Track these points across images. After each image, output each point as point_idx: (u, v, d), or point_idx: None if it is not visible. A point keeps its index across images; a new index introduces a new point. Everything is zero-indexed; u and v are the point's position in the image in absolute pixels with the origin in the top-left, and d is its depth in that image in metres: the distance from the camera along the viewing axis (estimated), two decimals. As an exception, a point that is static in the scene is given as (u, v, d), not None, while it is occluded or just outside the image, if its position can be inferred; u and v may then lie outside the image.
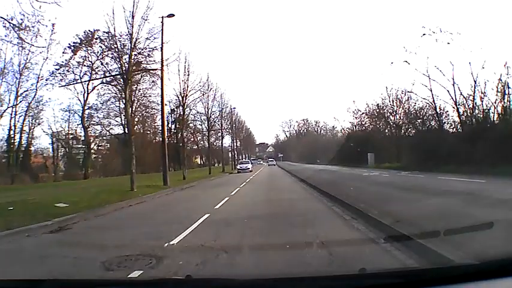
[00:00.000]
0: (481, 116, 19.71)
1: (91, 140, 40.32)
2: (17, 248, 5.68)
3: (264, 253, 4.57)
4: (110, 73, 18.23)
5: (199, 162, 57.89)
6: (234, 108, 45.31)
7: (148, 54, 16.67)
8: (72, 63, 28.53)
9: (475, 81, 20.03)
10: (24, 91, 28.60)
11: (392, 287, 1.81)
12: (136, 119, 44.20)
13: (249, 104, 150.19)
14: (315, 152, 66.13)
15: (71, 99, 47.80)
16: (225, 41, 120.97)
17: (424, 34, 21.38)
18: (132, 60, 15.80)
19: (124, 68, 15.33)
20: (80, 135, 37.72)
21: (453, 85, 21.11)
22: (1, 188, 19.41)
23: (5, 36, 13.18)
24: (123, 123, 37.74)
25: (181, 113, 26.72)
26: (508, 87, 18.83)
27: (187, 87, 25.28)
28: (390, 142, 32.64)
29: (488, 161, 15.32)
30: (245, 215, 7.55)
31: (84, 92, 34.07)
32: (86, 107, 34.37)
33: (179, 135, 28.68)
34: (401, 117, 32.26)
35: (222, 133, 40.52)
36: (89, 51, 24.84)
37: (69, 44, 28.16)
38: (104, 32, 16.59)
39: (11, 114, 29.14)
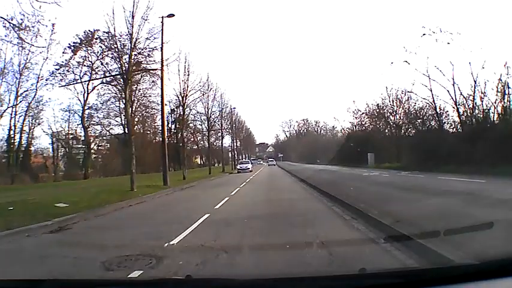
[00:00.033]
0: (481, 116, 19.71)
1: (91, 140, 40.36)
2: (17, 248, 5.67)
3: (264, 253, 4.57)
4: (109, 73, 18.25)
5: (199, 162, 57.86)
6: (234, 108, 45.36)
7: (149, 54, 16.70)
8: (72, 63, 28.56)
9: (475, 81, 20.06)
10: (24, 91, 28.63)
11: (392, 287, 1.81)
12: (136, 119, 44.19)
13: (249, 104, 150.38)
14: (315, 152, 66.13)
15: (71, 99, 47.82)
16: (225, 41, 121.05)
17: (424, 34, 21.41)
18: (132, 60, 15.81)
19: (124, 68, 15.33)
20: (80, 135, 37.75)
21: (453, 85, 21.15)
22: (1, 188, 19.41)
23: (5, 36, 13.17)
24: (123, 123, 37.72)
25: (181, 113, 26.70)
26: (508, 87, 18.85)
27: (187, 87, 25.32)
28: (390, 142, 32.63)
29: (488, 161, 15.31)
30: (245, 215, 7.56)
31: (84, 92, 34.10)
32: (86, 107, 34.37)
33: (179, 135, 28.65)
34: (402, 117, 32.30)
35: (222, 133, 40.56)
36: (89, 51, 24.87)
37: (69, 44, 28.20)
38: (104, 32, 16.63)
39: (11, 114, 29.18)
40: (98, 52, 20.08)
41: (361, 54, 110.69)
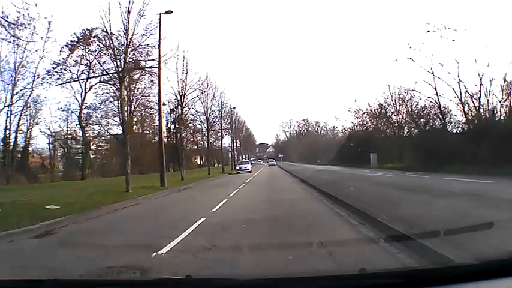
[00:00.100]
0: (487, 114, 19.27)
1: (90, 140, 39.96)
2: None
3: (264, 265, 4.12)
4: (106, 72, 17.87)
5: (199, 163, 57.53)
6: (234, 107, 45.01)
7: (146, 52, 16.28)
8: (69, 62, 28.07)
9: (480, 80, 19.69)
10: (20, 90, 28.14)
11: (392, 287, 1.81)
12: (135, 119, 43.92)
13: (249, 104, 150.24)
14: (315, 153, 65.90)
15: (68, 98, 47.26)
16: (225, 41, 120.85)
17: (428, 31, 21.04)
18: (128, 58, 15.45)
19: (120, 65, 14.93)
20: (79, 136, 37.31)
21: (458, 83, 20.75)
22: (-5, 189, 19.03)
23: (0, 33, 12.74)
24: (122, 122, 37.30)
25: (180, 112, 26.26)
26: (514, 86, 18.44)
27: (186, 85, 24.91)
28: (392, 142, 32.21)
29: (494, 161, 14.93)
30: (243, 219, 7.09)
31: (82, 91, 33.63)
32: (83, 107, 33.91)
33: (178, 135, 28.23)
34: (404, 117, 31.83)
35: (221, 133, 40.22)
36: (86, 50, 24.38)
37: (67, 42, 27.74)
38: (101, 30, 16.18)
39: (7, 114, 28.71)
40: (95, 51, 19.64)
41: (362, 53, 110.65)
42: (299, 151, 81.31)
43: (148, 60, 17.27)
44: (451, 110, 23.03)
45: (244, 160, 50.20)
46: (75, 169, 36.57)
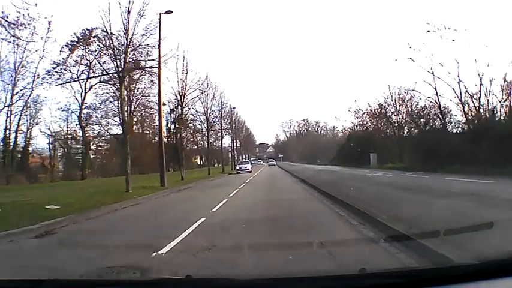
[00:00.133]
0: (487, 114, 19.25)
1: (90, 140, 39.90)
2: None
3: (265, 266, 4.11)
4: (106, 72, 17.87)
5: (199, 163, 57.48)
6: (234, 108, 44.97)
7: (146, 52, 16.29)
8: (70, 62, 28.05)
9: (480, 79, 19.68)
10: (20, 90, 28.11)
11: (392, 287, 1.81)
12: (135, 119, 43.87)
13: (249, 104, 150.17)
14: (315, 152, 65.87)
15: (68, 98, 47.19)
16: (225, 41, 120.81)
17: (428, 31, 21.01)
18: (128, 58, 15.45)
19: (120, 65, 14.93)
20: (79, 136, 37.29)
21: (458, 83, 20.72)
22: (-5, 189, 19.01)
23: (0, 33, 12.73)
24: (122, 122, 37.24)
25: (180, 112, 26.24)
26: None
27: (186, 85, 24.88)
28: (392, 142, 32.18)
29: (494, 161, 14.91)
30: (243, 219, 7.08)
31: (82, 91, 33.61)
32: (83, 107, 33.89)
33: (178, 135, 28.21)
34: (404, 117, 31.80)
35: (221, 133, 40.17)
36: (86, 50, 24.36)
37: (67, 42, 27.72)
38: (101, 30, 16.17)
39: (7, 114, 28.69)
40: (95, 51, 19.63)
41: (362, 54, 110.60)
42: (299, 151, 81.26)
43: (148, 60, 17.30)
44: (451, 110, 23.09)
45: (244, 160, 50.11)
46: (75, 169, 36.55)
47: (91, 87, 32.98)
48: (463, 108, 20.74)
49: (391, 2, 72.64)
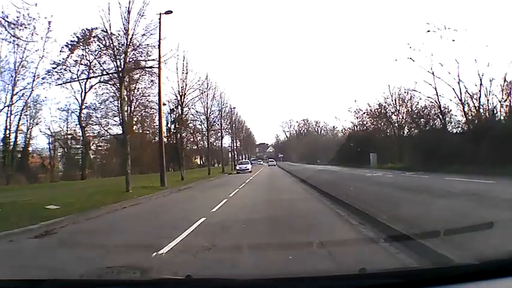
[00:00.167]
0: (487, 114, 19.24)
1: (90, 140, 39.86)
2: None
3: (264, 266, 4.11)
4: (106, 72, 17.87)
5: (199, 163, 57.43)
6: (234, 107, 44.94)
7: (146, 52, 16.29)
8: (69, 62, 28.03)
9: (480, 79, 19.65)
10: (20, 90, 28.08)
11: (392, 287, 1.81)
12: (135, 119, 43.84)
13: (249, 104, 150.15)
14: (315, 153, 65.81)
15: (68, 98, 47.15)
16: (224, 41, 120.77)
17: (428, 31, 21.00)
18: (128, 58, 15.44)
19: (120, 65, 14.92)
20: (79, 136, 37.28)
21: (458, 83, 20.69)
22: (-5, 189, 19.00)
23: (0, 33, 12.72)
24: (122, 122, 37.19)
25: (180, 112, 26.22)
26: (514, 86, 18.41)
27: (186, 85, 24.85)
28: (392, 142, 32.16)
29: (494, 161, 14.90)
30: (243, 219, 7.07)
31: (82, 91, 33.59)
32: (83, 107, 33.86)
33: (178, 135, 28.21)
34: (404, 117, 31.78)
35: (221, 133, 40.13)
36: (86, 50, 24.35)
37: (67, 42, 27.70)
38: (101, 30, 16.16)
39: (7, 114, 28.66)
40: (95, 51, 19.62)
41: (362, 54, 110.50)
42: (299, 151, 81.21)
43: (149, 60, 17.29)
44: (451, 110, 23.08)
45: (244, 160, 50.05)
46: (75, 169, 36.54)
47: (91, 87, 32.97)
48: (463, 108, 20.77)
49: (391, 2, 72.68)
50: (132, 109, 42.40)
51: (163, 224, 7.12)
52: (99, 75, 21.59)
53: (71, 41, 27.60)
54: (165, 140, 45.58)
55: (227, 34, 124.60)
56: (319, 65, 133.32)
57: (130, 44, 15.20)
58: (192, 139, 48.90)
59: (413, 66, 26.92)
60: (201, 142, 42.07)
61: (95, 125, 36.19)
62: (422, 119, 25.80)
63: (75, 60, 26.67)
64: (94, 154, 42.39)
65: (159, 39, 16.65)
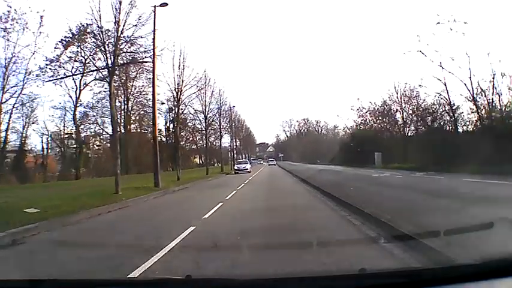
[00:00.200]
0: (504, 109, 18.20)
1: (87, 140, 39.04)
2: None
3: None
4: (96, 67, 17.09)
5: (198, 162, 56.71)
6: (233, 106, 44.25)
7: (139, 46, 15.42)
8: (63, 59, 27.12)
9: (493, 74, 18.59)
10: (11, 87, 27.10)
11: (393, 287, 1.80)
12: (133, 118, 43.06)
13: (248, 103, 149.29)
14: (316, 152, 64.96)
15: (62, 96, 46.26)
16: (224, 40, 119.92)
17: (438, 23, 20.02)
18: (119, 51, 14.55)
19: (109, 58, 14.01)
20: (74, 134, 36.45)
21: (470, 78, 19.61)
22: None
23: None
24: (120, 122, 36.51)
25: (177, 109, 25.33)
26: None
27: (182, 82, 23.86)
28: (397, 141, 31.14)
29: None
30: (239, 229, 5.97)
31: (76, 89, 32.74)
32: (77, 105, 33.02)
33: (176, 133, 27.36)
34: (410, 115, 30.72)
35: (220, 132, 39.32)
36: (82, 47, 23.46)
37: (61, 38, 26.83)
38: (91, 20, 15.26)
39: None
40: (88, 47, 18.75)
41: (363, 52, 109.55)
42: (299, 151, 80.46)
43: (144, 51, 16.46)
44: (459, 107, 22.01)
45: (242, 159, 48.92)
46: (71, 169, 35.80)
47: (86, 85, 32.22)
48: (475, 104, 19.67)
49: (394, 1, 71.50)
50: (130, 107, 41.74)
51: (145, 235, 6.09)
52: (88, 71, 20.83)
53: (65, 37, 26.79)
54: (163, 139, 44.86)
55: (227, 33, 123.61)
56: (320, 64, 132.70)
57: (121, 36, 14.35)
58: (191, 138, 48.22)
59: (420, 62, 25.71)
60: (200, 141, 41.37)
61: (91, 123, 35.50)
62: (430, 117, 24.75)
63: (69, 57, 25.87)
64: (90, 153, 41.61)
65: (154, 33, 15.85)
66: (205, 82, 29.93)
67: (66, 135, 37.05)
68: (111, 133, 35.30)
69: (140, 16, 14.75)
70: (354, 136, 38.28)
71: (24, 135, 31.53)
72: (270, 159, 77.24)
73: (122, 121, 39.46)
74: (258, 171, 37.13)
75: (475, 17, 39.28)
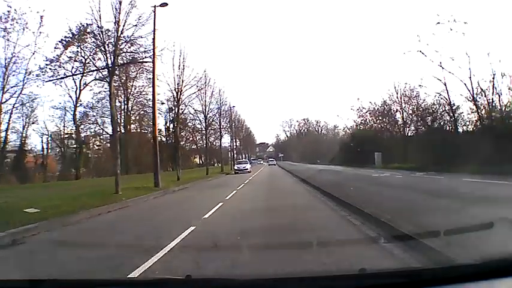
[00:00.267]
0: (504, 109, 18.20)
1: (87, 140, 39.07)
2: None
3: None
4: (96, 68, 17.11)
5: (198, 162, 56.75)
6: (233, 106, 44.26)
7: (134, 43, 15.43)
8: (63, 59, 27.14)
9: (493, 74, 18.60)
10: (11, 87, 27.11)
11: (393, 287, 1.80)
12: (133, 118, 43.08)
13: (248, 103, 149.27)
14: (316, 152, 64.96)
15: (62, 96, 46.33)
16: (224, 40, 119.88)
17: (438, 23, 20.02)
18: (119, 50, 14.57)
19: (109, 58, 14.02)
20: (74, 134, 36.48)
21: (470, 78, 19.61)
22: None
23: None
24: (120, 122, 36.54)
25: (177, 109, 25.34)
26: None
27: (182, 82, 23.86)
28: (397, 141, 31.13)
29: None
30: (239, 229, 5.99)
31: (76, 89, 32.75)
32: (77, 105, 33.03)
33: (175, 133, 27.37)
34: (410, 115, 30.72)
35: (220, 132, 39.35)
36: (82, 47, 23.47)
37: (61, 38, 26.85)
38: (91, 20, 15.28)
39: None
40: (88, 47, 18.78)
41: (363, 53, 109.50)
42: (300, 151, 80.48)
43: (144, 52, 16.48)
44: (459, 107, 22.03)
45: (242, 159, 48.91)
46: (71, 169, 35.82)
47: (86, 85, 32.25)
48: (475, 104, 19.68)
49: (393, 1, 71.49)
50: (130, 107, 41.78)
51: (144, 236, 6.09)
52: (88, 71, 20.84)
53: (65, 37, 26.80)
54: (163, 138, 44.86)
55: (227, 33, 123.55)
56: (320, 64, 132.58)
57: (121, 36, 14.36)
58: (191, 138, 48.25)
59: (420, 62, 25.74)
60: (200, 141, 41.37)
61: (91, 123, 35.53)
62: (430, 117, 24.74)
63: (69, 57, 25.89)
64: (90, 153, 41.62)
65: (154, 33, 15.86)
66: (205, 82, 29.98)
67: (66, 135, 37.09)
68: (111, 133, 35.35)
69: (140, 16, 14.80)
70: (354, 136, 38.27)
71: (24, 135, 31.61)
72: (270, 159, 77.25)
73: (122, 121, 39.49)
74: (258, 171, 37.13)
75: (475, 17, 39.32)
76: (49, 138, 36.59)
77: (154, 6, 16.19)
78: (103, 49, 14.30)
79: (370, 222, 5.81)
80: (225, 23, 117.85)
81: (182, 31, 67.11)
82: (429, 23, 35.48)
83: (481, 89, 19.26)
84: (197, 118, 34.02)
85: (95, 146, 44.14)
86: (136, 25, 14.61)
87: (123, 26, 14.16)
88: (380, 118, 35.57)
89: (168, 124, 43.29)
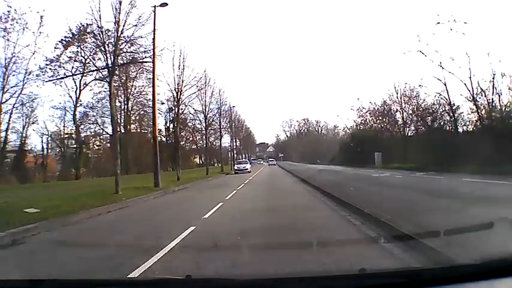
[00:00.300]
0: (504, 109, 18.20)
1: (87, 140, 39.08)
2: None
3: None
4: (96, 67, 17.11)
5: (198, 162, 56.75)
6: (234, 106, 44.26)
7: (134, 43, 15.43)
8: (63, 59, 27.13)
9: (493, 74, 18.61)
10: (11, 87, 27.11)
11: (393, 287, 1.80)
12: (133, 118, 43.08)
13: (248, 103, 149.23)
14: (316, 152, 64.95)
15: (62, 96, 46.35)
16: (224, 40, 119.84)
17: (438, 22, 20.01)
18: (119, 50, 14.57)
19: (109, 58, 14.02)
20: (74, 134, 36.48)
21: (470, 78, 19.61)
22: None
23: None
24: (120, 122, 36.55)
25: (177, 109, 25.34)
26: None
27: (182, 82, 23.86)
28: (397, 141, 31.12)
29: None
30: (239, 229, 5.98)
31: (76, 89, 32.75)
32: (77, 105, 33.02)
33: (175, 133, 27.37)
34: (410, 115, 30.72)
35: (220, 132, 39.34)
36: (82, 47, 23.47)
37: (61, 38, 26.85)
38: (91, 20, 15.29)
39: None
40: (88, 47, 18.78)
41: (364, 52, 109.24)
42: (300, 151, 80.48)
43: (143, 52, 16.48)
44: (459, 107, 22.04)
45: (242, 159, 48.92)
46: (71, 169, 35.82)
47: (86, 85, 32.26)
48: (475, 104, 19.68)
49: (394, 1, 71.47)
50: (130, 107, 41.79)
51: (146, 234, 6.10)
52: (89, 71, 20.83)
53: (65, 37, 26.80)
54: (163, 138, 44.83)
55: (226, 33, 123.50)
56: (320, 64, 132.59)
57: (121, 36, 14.37)
58: (191, 138, 48.27)
59: (420, 62, 25.72)
60: (200, 141, 41.37)
61: (91, 123, 35.55)
62: (430, 117, 24.74)
63: (69, 57, 25.89)
64: (90, 153, 41.62)
65: (154, 33, 15.86)
66: (205, 82, 29.98)
67: (66, 135, 37.09)
68: (111, 133, 35.33)
69: (140, 16, 14.79)
70: (354, 136, 38.27)
71: (24, 135, 31.60)
72: (270, 159, 77.25)
73: (122, 121, 39.49)
74: (258, 171, 37.12)
75: (475, 17, 39.32)
76: (49, 138, 36.64)
77: (154, 6, 16.20)
78: (103, 49, 14.30)
79: (370, 222, 5.81)
80: (224, 23, 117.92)
81: (182, 31, 67.23)
82: (429, 23, 35.52)
83: (481, 89, 19.30)
84: (197, 118, 34.09)
85: (95, 146, 44.15)
86: (136, 25, 14.62)
87: (123, 26, 14.18)
88: (380, 118, 35.57)
89: (168, 124, 43.33)
